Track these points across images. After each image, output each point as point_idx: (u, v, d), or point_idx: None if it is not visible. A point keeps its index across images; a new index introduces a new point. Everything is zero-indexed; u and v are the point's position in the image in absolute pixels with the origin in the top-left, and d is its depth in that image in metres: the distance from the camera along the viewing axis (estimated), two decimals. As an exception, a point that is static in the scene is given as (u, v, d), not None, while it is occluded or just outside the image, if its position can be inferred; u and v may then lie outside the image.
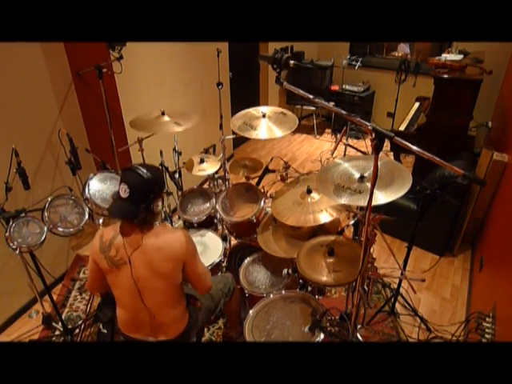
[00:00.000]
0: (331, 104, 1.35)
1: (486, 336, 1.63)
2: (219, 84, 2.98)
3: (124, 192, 1.42)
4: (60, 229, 2.05)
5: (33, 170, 2.39)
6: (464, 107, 3.08)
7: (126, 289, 1.51)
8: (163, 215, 2.90)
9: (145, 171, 1.43)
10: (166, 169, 2.65)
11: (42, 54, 2.34)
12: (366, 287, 1.81)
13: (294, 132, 5.37)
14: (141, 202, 1.44)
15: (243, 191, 2.49)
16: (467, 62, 3.32)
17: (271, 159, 2.57)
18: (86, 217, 2.15)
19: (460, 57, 3.50)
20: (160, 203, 1.53)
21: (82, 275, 2.83)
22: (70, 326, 2.34)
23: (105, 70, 2.40)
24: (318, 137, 5.43)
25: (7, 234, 1.87)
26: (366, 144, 4.82)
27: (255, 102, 5.23)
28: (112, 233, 1.50)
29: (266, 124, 2.14)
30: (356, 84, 5.07)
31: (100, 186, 2.20)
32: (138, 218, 1.44)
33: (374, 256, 3.01)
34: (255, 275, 2.18)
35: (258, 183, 2.54)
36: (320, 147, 5.10)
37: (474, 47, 3.75)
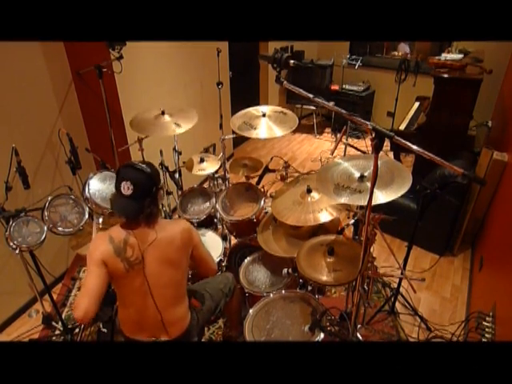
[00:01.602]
0: (331, 103, 1.35)
1: (486, 335, 1.63)
2: (219, 83, 2.97)
3: (127, 189, 1.42)
4: (60, 228, 2.05)
5: (33, 170, 2.39)
6: (464, 107, 3.08)
7: (135, 288, 1.50)
8: (163, 215, 2.90)
9: (144, 166, 1.46)
10: (166, 168, 2.65)
11: (41, 53, 2.34)
12: (365, 286, 1.81)
13: (294, 131, 5.36)
14: (145, 197, 1.45)
15: (243, 191, 2.49)
16: (467, 62, 3.33)
17: (271, 159, 2.58)
18: (86, 216, 2.15)
19: (460, 56, 3.50)
20: (162, 194, 1.57)
21: (81, 274, 2.83)
22: (69, 326, 2.34)
23: (105, 70, 2.40)
24: (317, 136, 5.43)
25: (7, 233, 1.87)
26: (366, 143, 4.81)
27: (255, 102, 5.23)
28: (122, 232, 1.47)
29: (266, 123, 2.14)
30: (356, 83, 5.07)
31: (100, 186, 2.20)
32: (144, 212, 1.45)
33: (373, 255, 3.02)
34: (255, 275, 2.18)
35: (258, 183, 2.54)
36: (320, 146, 5.10)
37: (474, 46, 3.75)
